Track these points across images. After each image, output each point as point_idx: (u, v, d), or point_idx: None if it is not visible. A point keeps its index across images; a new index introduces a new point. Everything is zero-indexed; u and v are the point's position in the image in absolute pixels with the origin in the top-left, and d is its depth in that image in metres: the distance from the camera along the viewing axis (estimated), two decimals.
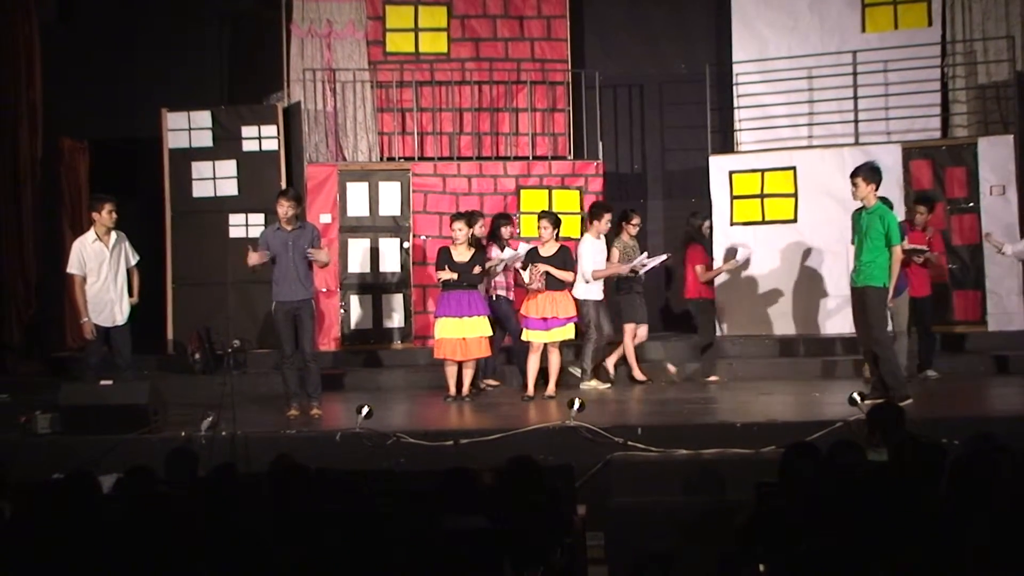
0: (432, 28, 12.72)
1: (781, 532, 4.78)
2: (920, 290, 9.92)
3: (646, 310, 10.67)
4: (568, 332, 9.72)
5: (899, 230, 8.68)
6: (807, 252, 11.71)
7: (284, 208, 8.95)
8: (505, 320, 10.35)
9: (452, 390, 9.71)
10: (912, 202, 10.57)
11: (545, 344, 9.71)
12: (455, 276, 9.54)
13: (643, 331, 10.62)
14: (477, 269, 9.63)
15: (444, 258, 9.68)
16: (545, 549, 5.14)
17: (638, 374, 10.56)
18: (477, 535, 4.78)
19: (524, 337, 9.82)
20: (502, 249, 10.30)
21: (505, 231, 10.43)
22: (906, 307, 9.61)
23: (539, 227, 9.85)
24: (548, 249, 9.71)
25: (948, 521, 4.54)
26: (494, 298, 10.28)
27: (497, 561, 4.65)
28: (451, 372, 9.73)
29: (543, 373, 9.88)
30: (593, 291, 10.19)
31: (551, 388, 9.75)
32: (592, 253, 10.18)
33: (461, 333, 9.57)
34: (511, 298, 10.43)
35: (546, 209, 11.42)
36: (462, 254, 9.66)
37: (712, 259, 11.27)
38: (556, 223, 9.80)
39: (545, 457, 7.38)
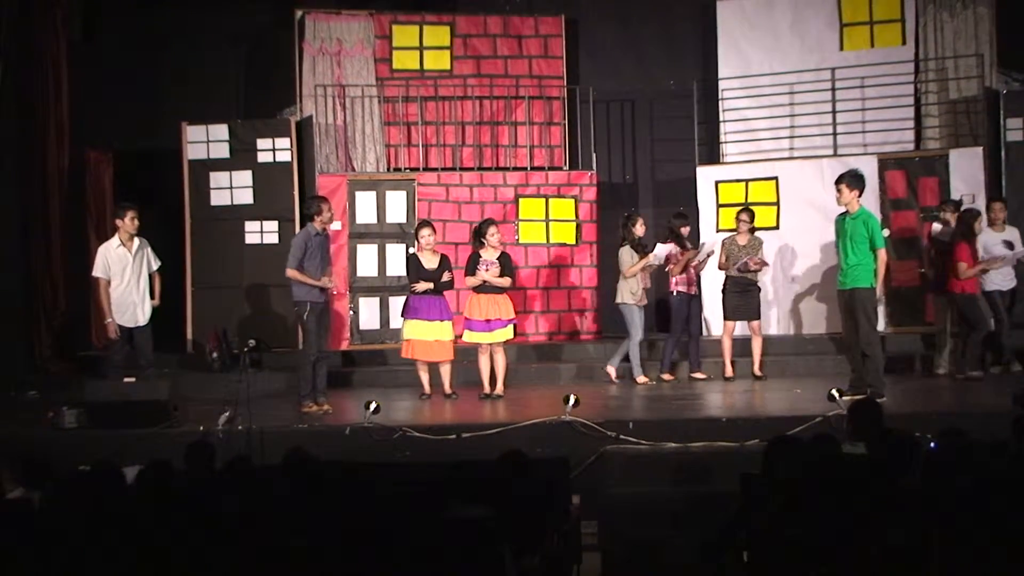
0: (436, 46, 12.74)
1: (764, 521, 4.79)
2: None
3: (748, 306, 10.34)
4: (508, 333, 9.60)
5: (882, 234, 8.67)
6: (789, 258, 11.72)
7: (329, 213, 9.08)
8: (675, 313, 10.32)
9: (427, 389, 9.67)
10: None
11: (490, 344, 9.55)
12: (431, 286, 9.46)
13: (731, 326, 10.42)
14: (446, 276, 9.55)
15: (415, 267, 9.58)
16: (542, 536, 5.15)
17: (727, 370, 10.42)
18: (479, 523, 4.79)
19: (466, 339, 9.63)
20: (683, 247, 10.28)
21: (684, 230, 10.41)
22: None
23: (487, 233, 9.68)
24: (491, 255, 9.58)
25: (921, 509, 4.55)
26: (675, 293, 10.30)
27: (498, 548, 4.65)
28: (423, 371, 9.68)
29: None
30: None
31: (499, 387, 9.60)
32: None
33: (431, 336, 9.48)
34: (692, 293, 10.40)
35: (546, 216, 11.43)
36: (430, 261, 9.57)
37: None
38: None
39: (542, 450, 7.42)
